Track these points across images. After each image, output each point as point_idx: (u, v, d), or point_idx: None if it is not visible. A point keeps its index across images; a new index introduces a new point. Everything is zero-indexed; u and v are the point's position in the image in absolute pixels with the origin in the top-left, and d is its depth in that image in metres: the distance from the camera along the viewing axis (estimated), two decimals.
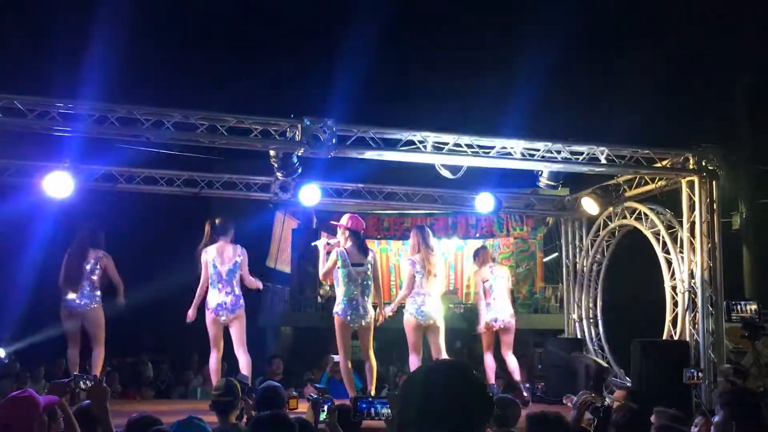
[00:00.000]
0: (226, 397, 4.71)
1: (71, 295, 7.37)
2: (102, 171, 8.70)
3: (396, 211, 16.32)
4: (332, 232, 8.21)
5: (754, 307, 7.67)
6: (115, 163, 8.75)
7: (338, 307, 7.21)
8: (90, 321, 7.45)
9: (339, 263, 7.15)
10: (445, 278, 14.95)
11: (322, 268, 7.30)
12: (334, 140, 6.95)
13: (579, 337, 10.08)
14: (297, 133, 6.93)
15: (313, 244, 8.12)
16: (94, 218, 7.87)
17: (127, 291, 7.78)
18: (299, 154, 7.21)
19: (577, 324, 10.29)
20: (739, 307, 7.81)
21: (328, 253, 7.40)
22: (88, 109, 6.62)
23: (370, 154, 7.44)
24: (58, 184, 7.67)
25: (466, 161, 7.68)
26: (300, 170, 7.70)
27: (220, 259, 7.34)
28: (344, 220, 7.34)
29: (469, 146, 7.49)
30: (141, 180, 8.85)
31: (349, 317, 7.15)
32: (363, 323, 7.22)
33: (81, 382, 4.32)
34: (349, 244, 7.20)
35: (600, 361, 9.12)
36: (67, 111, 6.59)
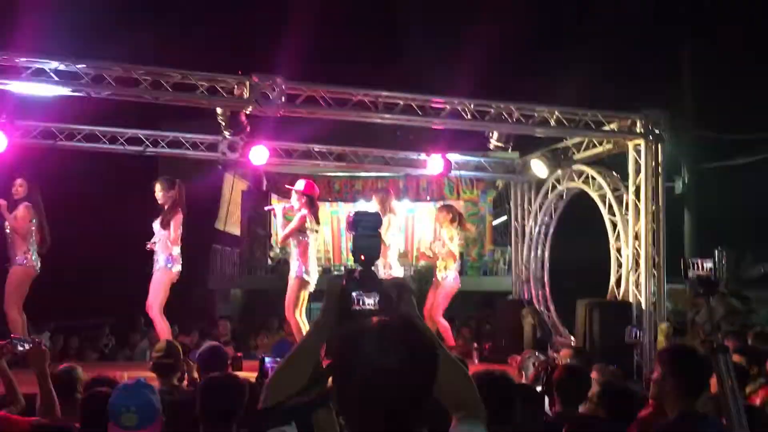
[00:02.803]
0: (167, 359, 4.66)
1: None
2: (40, 127, 8.34)
3: (347, 174, 16.24)
4: (284, 195, 8.16)
5: (709, 265, 7.87)
6: (55, 119, 8.42)
7: (304, 271, 7.20)
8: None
9: (308, 227, 7.19)
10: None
11: (281, 232, 7.28)
12: (283, 98, 6.80)
13: (526, 298, 10.27)
14: (245, 90, 6.75)
15: (267, 208, 8.06)
16: (32, 174, 7.48)
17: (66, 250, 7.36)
18: (247, 112, 7.05)
19: (524, 285, 10.48)
20: (696, 263, 8.01)
21: (285, 216, 7.36)
22: (24, 62, 6.30)
23: (320, 113, 7.32)
24: None
25: (417, 121, 7.64)
26: (248, 129, 7.55)
27: None
28: (301, 185, 7.31)
29: (420, 107, 7.43)
30: (82, 137, 8.54)
31: (312, 281, 7.25)
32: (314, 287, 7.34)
33: (18, 345, 4.19)
34: (306, 209, 7.22)
35: (545, 321, 9.34)
36: (1, 63, 6.26)
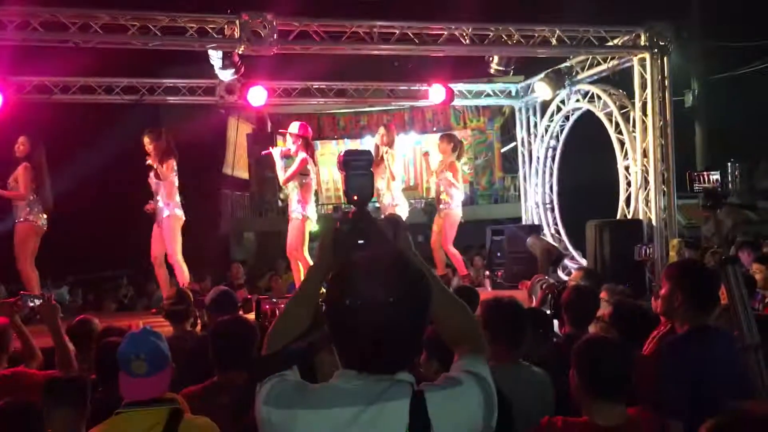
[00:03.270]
0: (178, 305, 4.70)
1: None
2: (34, 82, 8.23)
3: (351, 110, 16.07)
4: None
5: (716, 177, 7.79)
6: (50, 73, 8.30)
7: (309, 210, 7.29)
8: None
9: (310, 170, 7.26)
10: (404, 174, 15.00)
11: (283, 174, 7.30)
12: (275, 35, 6.62)
13: (537, 223, 10.25)
14: (235, 29, 6.59)
15: (264, 153, 8.01)
16: (34, 131, 7.44)
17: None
18: (239, 52, 6.89)
19: (533, 210, 10.43)
20: (701, 177, 7.94)
21: (285, 157, 7.43)
22: (8, 14, 6.15)
23: (314, 49, 7.15)
24: None
25: (415, 50, 7.47)
26: (243, 69, 7.41)
27: None
28: (295, 128, 7.34)
29: (417, 35, 7.24)
30: (77, 90, 8.42)
31: (313, 219, 7.34)
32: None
33: (29, 301, 4.24)
34: (304, 151, 7.26)
35: (554, 244, 9.33)
36: None
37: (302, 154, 7.24)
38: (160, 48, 6.81)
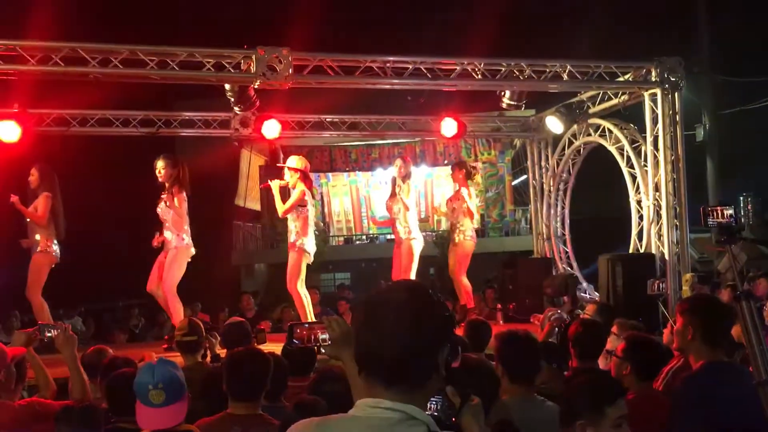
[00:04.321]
0: (190, 336, 4.70)
1: None
2: (53, 115, 8.39)
3: (363, 142, 16.21)
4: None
5: (730, 212, 7.76)
6: (68, 105, 8.46)
7: (308, 244, 7.22)
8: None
9: (308, 202, 7.23)
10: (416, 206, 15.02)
11: (281, 207, 7.24)
12: (290, 70, 6.72)
13: (548, 256, 10.23)
14: (252, 64, 6.69)
15: (262, 186, 8.06)
16: (44, 161, 7.52)
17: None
18: (255, 86, 6.99)
19: (545, 243, 10.42)
20: (715, 212, 7.91)
21: (283, 189, 7.38)
22: (30, 49, 6.30)
23: (329, 83, 7.26)
24: (8, 130, 7.39)
25: (428, 84, 7.55)
26: (257, 103, 7.51)
27: None
28: (293, 161, 7.32)
29: (430, 69, 7.33)
30: (95, 122, 8.57)
31: (311, 252, 7.28)
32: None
33: (46, 331, 4.26)
34: (302, 184, 7.23)
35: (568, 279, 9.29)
36: (8, 52, 6.27)
37: (301, 186, 7.19)
38: (177, 82, 6.94)
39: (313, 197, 7.63)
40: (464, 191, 8.42)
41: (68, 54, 6.36)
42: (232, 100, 7.32)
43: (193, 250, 7.18)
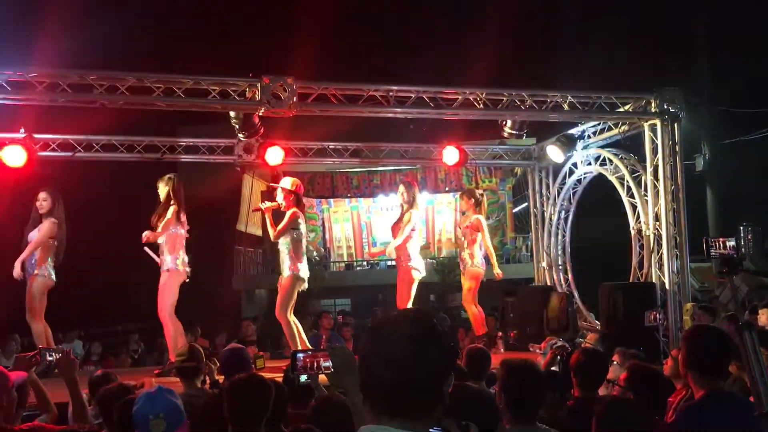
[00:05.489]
0: (190, 362, 4.70)
1: None
2: (59, 140, 8.47)
3: (364, 169, 16.28)
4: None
5: (732, 243, 7.81)
6: (73, 131, 8.53)
7: (302, 268, 7.16)
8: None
9: (301, 225, 7.19)
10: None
11: (274, 230, 7.19)
12: (294, 98, 6.81)
13: (549, 284, 10.23)
14: (257, 92, 6.78)
15: (254, 209, 8.09)
16: (53, 186, 7.58)
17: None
18: (260, 113, 7.07)
19: (546, 272, 10.44)
20: (717, 243, 7.95)
21: (275, 212, 7.35)
22: (38, 76, 6.39)
23: (332, 111, 7.33)
24: (15, 155, 7.47)
25: (430, 113, 7.63)
26: (262, 131, 7.58)
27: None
28: (288, 183, 7.29)
29: (432, 99, 7.42)
30: (100, 147, 8.64)
31: (305, 277, 7.22)
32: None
33: (47, 355, 4.27)
34: (294, 207, 7.21)
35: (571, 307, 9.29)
36: (16, 79, 6.36)
37: (292, 209, 7.15)
38: (183, 109, 7.02)
39: (306, 222, 7.57)
40: (480, 218, 8.44)
41: (75, 81, 6.45)
42: (237, 127, 7.41)
43: (186, 274, 7.13)
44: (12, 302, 7.48)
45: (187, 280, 7.17)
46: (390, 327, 1.69)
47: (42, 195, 7.31)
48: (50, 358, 4.28)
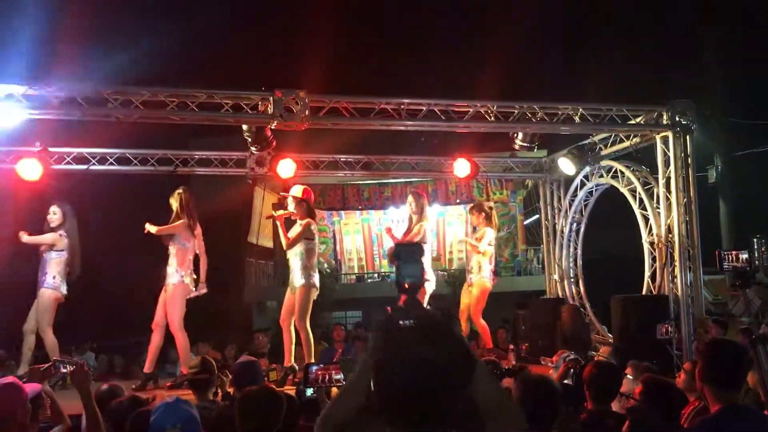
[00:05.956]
0: (202, 374, 4.72)
1: None
2: (74, 153, 8.56)
3: (375, 181, 16.32)
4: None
5: (745, 256, 7.77)
6: (88, 144, 8.62)
7: (315, 278, 7.19)
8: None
9: (315, 235, 7.23)
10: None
11: (285, 239, 7.22)
12: (307, 111, 6.84)
13: (561, 296, 10.19)
14: (269, 105, 6.82)
15: (266, 217, 8.12)
16: (66, 199, 7.66)
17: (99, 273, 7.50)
18: (272, 127, 7.12)
19: (558, 284, 10.40)
20: (730, 256, 7.91)
21: (287, 221, 7.38)
22: (55, 90, 6.47)
23: (344, 124, 7.37)
24: (30, 168, 7.57)
25: (441, 126, 7.65)
26: (274, 143, 7.62)
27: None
28: (298, 191, 7.31)
29: (443, 111, 7.44)
30: (114, 160, 8.72)
31: (318, 286, 7.24)
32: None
33: (61, 367, 4.29)
34: (306, 216, 7.23)
35: (583, 319, 9.24)
36: (32, 93, 6.44)
37: (306, 219, 7.19)
38: (196, 123, 7.08)
39: (317, 233, 7.55)
40: (489, 232, 8.44)
41: (91, 96, 6.52)
42: (249, 140, 7.45)
43: (192, 290, 7.19)
44: (25, 315, 7.55)
45: (191, 295, 7.22)
46: (405, 337, 1.69)
47: (53, 208, 7.40)
48: (64, 370, 4.31)
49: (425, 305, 7.69)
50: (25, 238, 7.28)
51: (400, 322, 1.83)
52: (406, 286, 2.01)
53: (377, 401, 1.69)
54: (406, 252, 2.08)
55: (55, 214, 7.35)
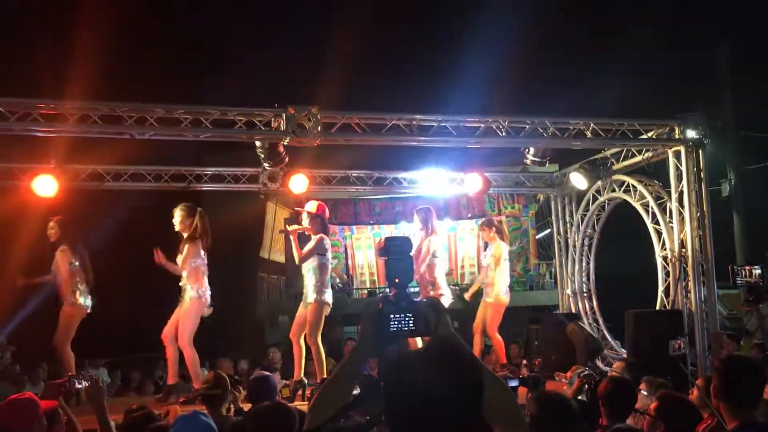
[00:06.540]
0: (215, 389, 4.73)
1: None
2: (88, 170, 8.64)
3: (387, 196, 16.34)
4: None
5: (758, 271, 7.71)
6: (102, 161, 8.71)
7: (328, 294, 7.15)
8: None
9: (328, 251, 7.21)
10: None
11: (298, 253, 7.18)
12: (319, 128, 6.89)
13: (574, 311, 10.14)
14: (282, 122, 6.87)
15: (280, 231, 8.12)
16: (79, 216, 7.73)
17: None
18: (285, 143, 7.17)
19: (570, 299, 10.35)
20: (743, 271, 7.85)
21: (300, 236, 7.35)
22: (70, 108, 6.56)
23: (356, 140, 7.41)
24: (46, 185, 7.66)
25: (453, 142, 7.68)
26: (287, 159, 7.67)
27: None
28: (312, 207, 7.29)
29: (455, 127, 7.47)
30: (128, 177, 8.80)
31: (330, 302, 7.22)
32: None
33: (76, 382, 4.33)
34: (320, 231, 7.21)
35: (593, 334, 9.19)
36: (48, 111, 6.53)
37: (319, 234, 7.16)
38: (210, 140, 7.14)
39: (331, 248, 7.50)
40: (492, 249, 8.43)
41: (106, 113, 6.60)
42: (262, 156, 7.50)
43: (208, 305, 7.16)
44: (39, 332, 7.59)
45: (206, 311, 7.20)
46: (419, 357, 1.69)
47: (50, 224, 7.44)
48: (79, 386, 4.35)
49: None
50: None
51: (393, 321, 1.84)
52: (397, 280, 2.04)
53: (388, 426, 1.69)
54: (396, 247, 2.09)
55: (52, 229, 7.39)
